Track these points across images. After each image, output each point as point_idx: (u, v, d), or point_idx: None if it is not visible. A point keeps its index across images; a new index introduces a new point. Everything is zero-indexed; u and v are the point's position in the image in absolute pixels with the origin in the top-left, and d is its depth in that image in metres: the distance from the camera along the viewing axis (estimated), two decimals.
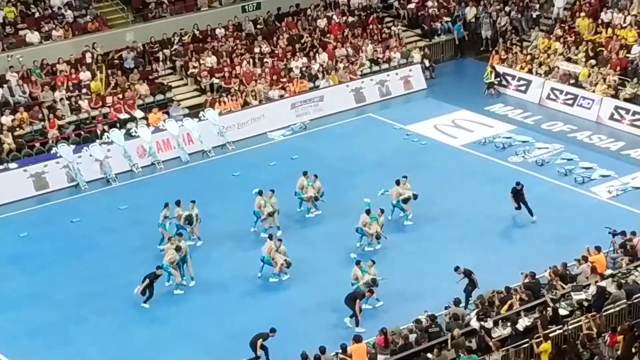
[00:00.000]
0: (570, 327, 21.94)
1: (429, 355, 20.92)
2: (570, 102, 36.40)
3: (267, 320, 24.67)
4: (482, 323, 21.79)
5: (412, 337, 22.32)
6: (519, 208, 28.64)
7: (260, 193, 28.36)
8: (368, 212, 27.56)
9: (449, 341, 21.49)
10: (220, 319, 24.99)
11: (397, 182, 29.00)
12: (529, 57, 38.58)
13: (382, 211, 27.93)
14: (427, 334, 22.34)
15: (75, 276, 26.96)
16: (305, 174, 29.32)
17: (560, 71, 37.25)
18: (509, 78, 38.29)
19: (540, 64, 38.05)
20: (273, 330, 22.96)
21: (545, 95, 37.16)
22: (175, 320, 25.11)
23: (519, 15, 41.62)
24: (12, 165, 32.14)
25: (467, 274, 24.46)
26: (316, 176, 29.45)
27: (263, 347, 22.73)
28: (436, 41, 41.73)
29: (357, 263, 25.25)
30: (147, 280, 25.12)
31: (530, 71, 38.03)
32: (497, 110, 36.66)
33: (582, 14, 39.69)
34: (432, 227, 28.69)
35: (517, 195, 28.60)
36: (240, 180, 31.32)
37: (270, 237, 26.63)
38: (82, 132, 34.25)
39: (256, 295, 26.04)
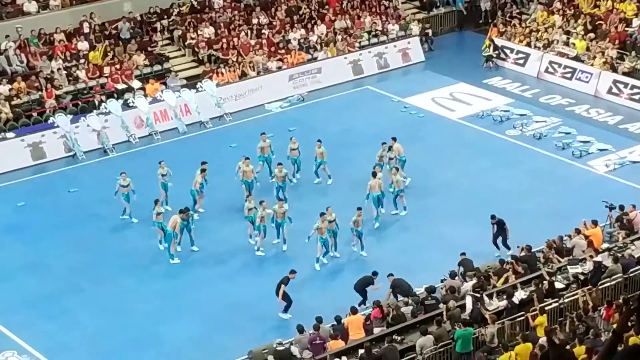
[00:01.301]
0: (566, 300, 22.00)
1: (429, 327, 20.97)
2: (568, 75, 36.32)
3: (263, 291, 24.77)
4: (476, 294, 21.83)
5: (408, 309, 22.38)
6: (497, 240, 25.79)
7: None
8: (375, 174, 27.61)
9: (444, 313, 21.55)
10: (217, 291, 25.05)
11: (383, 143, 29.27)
12: (527, 30, 38.46)
13: (397, 169, 28.14)
14: (423, 306, 22.40)
15: (72, 246, 27.00)
16: (247, 158, 28.57)
17: (559, 46, 37.16)
18: (507, 51, 38.18)
19: (537, 39, 37.93)
20: (375, 274, 23.38)
21: (543, 69, 37.07)
22: (172, 291, 25.16)
23: None
24: (10, 134, 32.08)
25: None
26: (320, 141, 29.40)
27: (365, 292, 23.28)
28: (435, 13, 41.59)
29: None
30: (283, 286, 23.46)
31: (528, 44, 37.92)
32: (495, 84, 36.58)
33: None
34: (429, 200, 28.70)
35: (499, 227, 25.74)
36: (237, 152, 31.22)
37: (261, 202, 26.61)
38: (80, 102, 34.15)
39: (253, 267, 26.10)
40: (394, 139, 29.44)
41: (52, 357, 22.87)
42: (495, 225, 25.68)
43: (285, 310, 23.66)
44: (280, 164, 28.40)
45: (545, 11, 39.26)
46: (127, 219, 28.01)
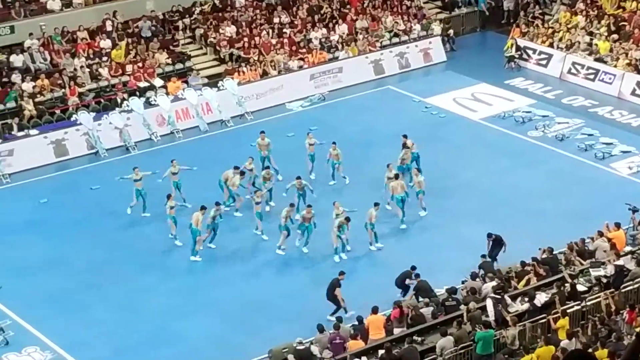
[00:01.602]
0: (588, 303, 21.89)
1: (449, 329, 20.91)
2: (591, 77, 36.15)
3: (281, 290, 24.87)
4: (497, 296, 21.74)
5: (429, 310, 22.34)
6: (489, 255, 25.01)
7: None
8: (397, 176, 27.74)
9: (464, 314, 21.48)
10: (237, 288, 25.10)
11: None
12: (550, 30, 38.31)
13: (418, 170, 28.11)
14: (443, 307, 22.35)
15: (93, 243, 27.13)
16: (266, 167, 28.76)
17: (582, 45, 36.98)
18: (529, 52, 38.04)
19: (560, 39, 37.79)
20: (414, 268, 23.56)
21: (566, 70, 36.91)
22: (192, 288, 25.23)
23: None
24: (33, 131, 32.29)
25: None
26: (334, 143, 29.37)
27: (406, 286, 23.56)
28: (457, 13, 41.52)
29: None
30: (338, 289, 23.24)
31: (551, 45, 37.78)
32: (518, 84, 36.47)
33: None
34: (449, 201, 28.65)
35: (496, 243, 25.07)
36: (257, 150, 31.27)
37: (291, 205, 26.71)
38: (102, 100, 34.31)
39: (272, 266, 26.14)
40: (405, 137, 29.60)
41: (72, 352, 22.98)
42: (491, 242, 25.02)
43: (334, 313, 23.34)
44: (298, 177, 27.89)
45: (568, 12, 39.08)
46: (147, 217, 28.09)
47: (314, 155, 29.81)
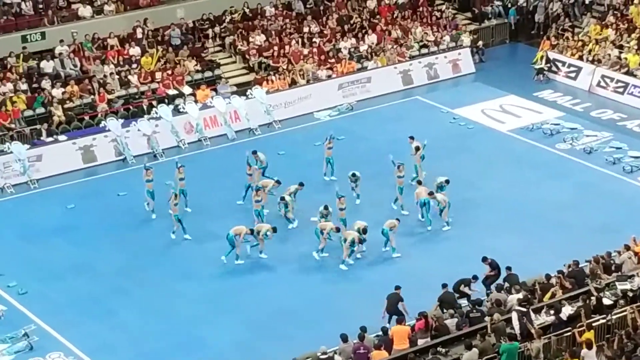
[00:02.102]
0: (614, 317, 21.75)
1: (473, 341, 20.83)
2: (620, 90, 36.01)
3: (308, 299, 24.88)
4: (522, 309, 21.64)
5: (453, 321, 22.27)
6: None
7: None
8: (420, 182, 28.08)
9: (488, 325, 21.40)
10: (263, 296, 25.14)
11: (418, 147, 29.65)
12: (580, 43, 38.16)
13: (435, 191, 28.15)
14: (468, 319, 22.27)
15: (119, 249, 27.29)
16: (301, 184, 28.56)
17: (612, 59, 36.82)
18: (559, 64, 37.93)
19: (590, 52, 37.63)
20: (475, 277, 23.46)
21: (595, 83, 36.77)
22: (218, 295, 25.30)
23: (571, 1, 41.15)
24: (62, 137, 32.55)
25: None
26: (354, 175, 29.04)
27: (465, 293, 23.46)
28: (486, 25, 41.48)
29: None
30: (402, 303, 23.23)
31: (580, 58, 37.63)
32: (546, 97, 36.39)
33: (636, 1, 39.15)
34: (475, 212, 28.59)
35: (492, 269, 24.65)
36: (285, 159, 31.39)
37: (338, 229, 26.68)
38: (131, 107, 34.54)
39: (300, 275, 26.16)
40: (412, 138, 29.93)
41: (96, 358, 23.07)
42: (488, 267, 24.63)
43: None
44: (326, 207, 27.43)
45: (598, 25, 38.92)
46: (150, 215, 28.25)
47: (331, 159, 29.96)
